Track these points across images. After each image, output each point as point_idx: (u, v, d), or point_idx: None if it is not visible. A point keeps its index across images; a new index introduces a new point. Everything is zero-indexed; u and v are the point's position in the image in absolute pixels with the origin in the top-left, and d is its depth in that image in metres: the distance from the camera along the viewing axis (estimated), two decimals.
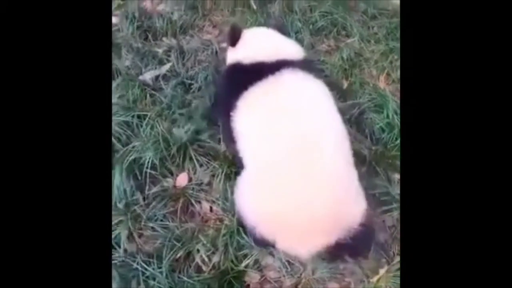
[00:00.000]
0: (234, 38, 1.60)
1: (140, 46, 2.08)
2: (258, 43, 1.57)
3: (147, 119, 1.60)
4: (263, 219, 1.31)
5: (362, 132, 1.74)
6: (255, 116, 1.37)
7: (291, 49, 1.56)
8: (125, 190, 1.45)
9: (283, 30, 1.70)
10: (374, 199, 1.50)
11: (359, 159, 1.67)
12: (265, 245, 1.34)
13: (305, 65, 1.50)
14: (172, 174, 1.55)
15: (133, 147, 1.51)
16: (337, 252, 1.32)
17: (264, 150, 1.32)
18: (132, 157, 1.48)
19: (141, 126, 1.59)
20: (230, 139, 1.46)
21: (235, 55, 1.58)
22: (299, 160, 1.24)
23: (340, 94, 1.87)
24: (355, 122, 1.75)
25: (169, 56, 2.01)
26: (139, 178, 1.48)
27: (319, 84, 1.45)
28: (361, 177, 1.58)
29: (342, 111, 1.78)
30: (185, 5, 2.33)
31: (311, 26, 2.28)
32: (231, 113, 1.41)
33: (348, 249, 1.32)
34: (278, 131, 1.30)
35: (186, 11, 2.31)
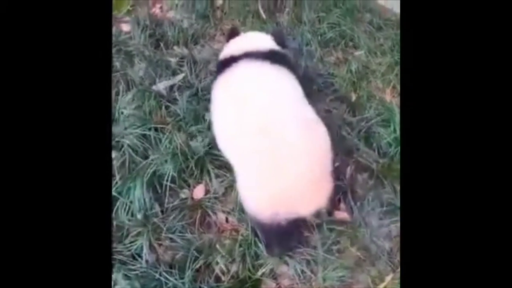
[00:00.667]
0: (229, 37, 1.75)
1: (152, 55, 2.12)
2: (238, 41, 1.70)
3: (166, 133, 1.64)
4: (262, 204, 1.31)
5: (370, 146, 1.82)
6: (223, 107, 1.46)
7: (258, 42, 1.65)
8: (144, 201, 1.51)
9: (279, 36, 1.76)
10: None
11: (368, 172, 1.77)
12: (272, 225, 1.31)
13: (268, 55, 1.55)
14: (189, 186, 1.61)
15: (152, 160, 1.56)
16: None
17: (237, 143, 1.37)
18: (152, 170, 1.53)
19: (159, 139, 1.63)
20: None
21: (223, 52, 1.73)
22: (275, 137, 1.29)
23: (350, 108, 1.94)
24: (363, 137, 1.82)
25: (181, 66, 2.05)
26: (159, 190, 1.54)
27: (281, 71, 1.50)
28: (368, 189, 1.68)
29: (351, 125, 1.88)
30: (196, 14, 2.37)
31: (319, 38, 2.34)
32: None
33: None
34: (243, 119, 1.35)
35: (197, 20, 2.35)
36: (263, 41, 1.69)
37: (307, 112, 1.44)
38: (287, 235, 1.42)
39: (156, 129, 1.67)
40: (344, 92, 2.02)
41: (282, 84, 1.47)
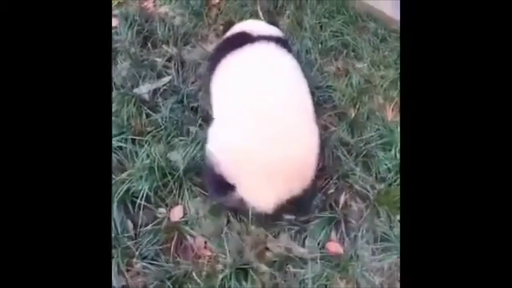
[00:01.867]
0: (225, 29, 1.84)
1: (138, 53, 1.94)
2: (244, 23, 1.82)
3: (144, 145, 1.48)
4: (226, 157, 1.33)
5: (368, 170, 1.67)
6: (230, 78, 1.49)
7: (269, 28, 1.77)
8: (114, 222, 1.35)
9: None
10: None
11: (363, 200, 1.63)
12: (224, 189, 1.33)
13: (280, 42, 1.64)
14: (167, 205, 1.45)
15: (128, 175, 1.40)
16: (290, 206, 1.38)
17: (234, 105, 1.42)
18: (126, 187, 1.37)
19: (135, 152, 1.47)
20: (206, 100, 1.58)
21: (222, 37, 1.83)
22: (265, 114, 1.34)
23: (348, 126, 1.79)
24: (361, 160, 1.68)
25: (168, 68, 1.88)
26: (132, 210, 1.38)
27: (289, 57, 1.59)
28: (363, 218, 1.55)
29: (348, 146, 1.73)
30: (189, 11, 2.19)
31: (320, 46, 2.18)
32: (211, 77, 1.57)
33: (297, 205, 1.41)
34: (248, 90, 1.42)
35: (190, 18, 2.17)
36: (273, 29, 1.78)
37: (303, 90, 1.49)
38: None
39: (133, 140, 1.50)
40: (343, 107, 1.87)
41: (294, 74, 1.53)
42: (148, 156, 1.44)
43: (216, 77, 1.56)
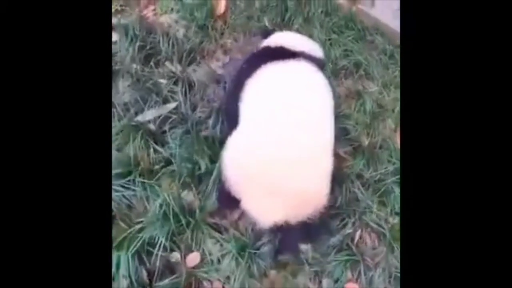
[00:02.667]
0: (266, 34, 1.79)
1: (139, 73, 1.80)
2: (285, 35, 1.77)
3: (154, 186, 1.38)
4: (234, 173, 1.32)
5: (383, 205, 1.64)
6: (262, 90, 1.43)
7: (312, 47, 1.69)
8: (129, 271, 1.27)
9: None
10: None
11: (378, 235, 1.61)
12: (230, 202, 1.35)
13: (319, 63, 1.59)
14: (180, 249, 1.37)
15: (140, 222, 1.30)
16: (295, 231, 1.37)
17: (258, 117, 1.38)
18: (140, 241, 1.28)
19: (146, 197, 1.37)
20: (232, 119, 1.48)
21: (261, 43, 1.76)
22: (286, 136, 1.30)
23: (362, 156, 1.74)
24: (378, 198, 1.64)
25: (174, 92, 1.75)
26: (145, 259, 1.30)
27: (324, 81, 1.51)
28: (380, 257, 1.53)
29: (364, 180, 1.69)
30: (194, 24, 2.05)
31: (330, 65, 2.10)
32: (246, 82, 1.48)
33: (305, 231, 1.41)
34: (275, 108, 1.36)
35: (196, 30, 2.03)
36: (315, 46, 1.72)
37: (328, 122, 1.42)
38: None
39: (143, 183, 1.39)
40: (356, 136, 1.81)
41: (325, 98, 1.47)
42: (160, 203, 1.34)
43: (251, 85, 1.48)
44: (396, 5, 2.00)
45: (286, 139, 1.29)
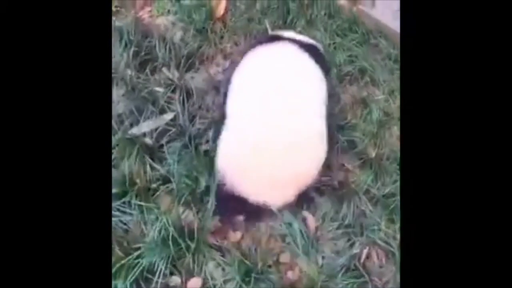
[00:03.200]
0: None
1: (135, 81, 1.70)
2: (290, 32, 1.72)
3: (153, 210, 1.29)
4: (233, 170, 1.33)
5: (391, 221, 1.58)
6: (248, 76, 1.43)
7: (303, 37, 1.69)
8: None
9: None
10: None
11: (386, 253, 1.54)
12: (235, 204, 1.34)
13: (307, 47, 1.55)
14: (181, 273, 1.29)
15: (138, 249, 1.22)
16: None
17: (245, 108, 1.37)
18: (139, 269, 1.19)
19: (143, 221, 1.28)
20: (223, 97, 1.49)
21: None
22: (277, 122, 1.31)
23: (371, 170, 1.67)
24: (384, 210, 1.57)
25: (170, 102, 1.65)
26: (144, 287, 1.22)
27: (312, 62, 1.50)
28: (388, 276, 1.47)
29: (371, 195, 1.62)
30: (192, 26, 1.94)
31: (335, 70, 2.01)
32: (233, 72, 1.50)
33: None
34: (264, 93, 1.36)
35: (194, 34, 1.92)
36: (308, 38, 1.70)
37: (318, 123, 1.40)
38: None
39: (140, 206, 1.30)
40: (363, 148, 1.74)
41: (311, 74, 1.46)
42: (159, 228, 1.25)
43: (237, 74, 1.47)
44: (396, 5, 1.92)
45: (277, 125, 1.30)
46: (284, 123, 1.30)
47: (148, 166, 1.40)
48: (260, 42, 1.57)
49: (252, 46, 1.57)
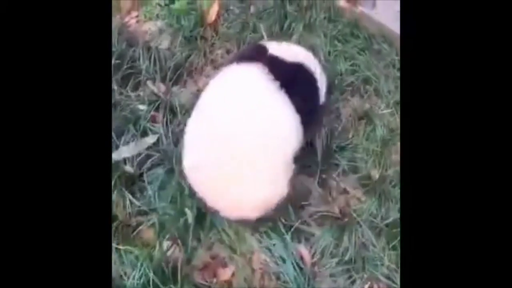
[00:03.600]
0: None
1: (117, 98, 1.54)
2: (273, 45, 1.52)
3: (134, 253, 1.15)
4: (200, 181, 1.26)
5: (396, 256, 1.45)
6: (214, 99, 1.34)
7: (295, 52, 1.50)
8: None
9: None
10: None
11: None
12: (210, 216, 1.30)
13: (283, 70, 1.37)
14: None
15: None
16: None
17: (214, 126, 1.27)
18: None
19: (124, 272, 1.14)
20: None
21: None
22: (245, 143, 1.23)
23: (373, 196, 1.53)
24: (388, 242, 1.44)
25: (154, 123, 1.49)
26: None
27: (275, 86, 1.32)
28: None
29: (373, 225, 1.49)
30: (181, 33, 1.77)
31: (336, 81, 1.85)
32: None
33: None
34: (225, 111, 1.27)
35: (182, 42, 1.76)
36: (302, 53, 1.51)
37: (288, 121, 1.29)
38: None
39: (117, 249, 1.15)
40: (367, 173, 1.59)
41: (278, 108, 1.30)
42: (141, 274, 1.11)
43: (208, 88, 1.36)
44: (397, 6, 1.76)
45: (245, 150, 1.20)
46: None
47: (128, 200, 1.26)
48: (237, 58, 1.43)
49: (229, 61, 1.44)
